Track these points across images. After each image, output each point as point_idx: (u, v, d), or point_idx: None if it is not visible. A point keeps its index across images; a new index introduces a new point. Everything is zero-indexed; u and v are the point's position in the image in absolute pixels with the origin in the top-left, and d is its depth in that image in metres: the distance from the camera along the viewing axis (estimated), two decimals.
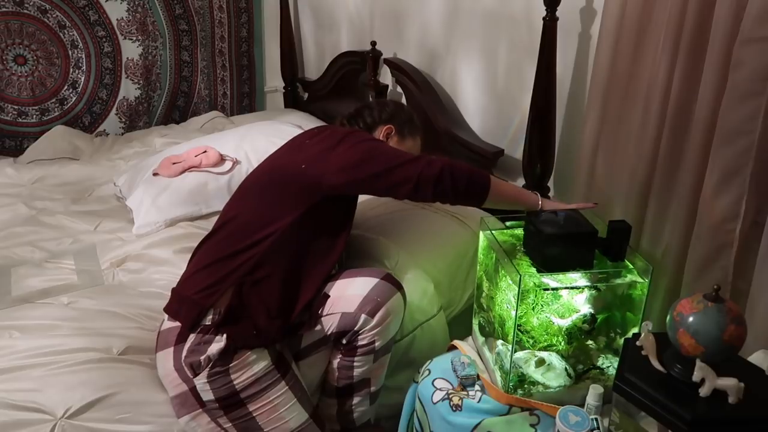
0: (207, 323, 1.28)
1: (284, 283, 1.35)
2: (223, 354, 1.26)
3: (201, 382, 1.26)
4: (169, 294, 1.39)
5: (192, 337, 1.28)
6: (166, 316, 1.36)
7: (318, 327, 1.38)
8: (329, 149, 1.40)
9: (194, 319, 1.28)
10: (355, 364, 1.39)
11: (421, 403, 1.33)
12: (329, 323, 1.37)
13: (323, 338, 1.39)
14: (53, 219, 1.98)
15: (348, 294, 1.37)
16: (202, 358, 1.25)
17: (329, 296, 1.39)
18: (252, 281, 1.32)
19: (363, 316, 1.34)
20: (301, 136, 1.57)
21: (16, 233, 1.89)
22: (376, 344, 1.37)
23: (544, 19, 1.52)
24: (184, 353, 1.27)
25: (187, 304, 1.31)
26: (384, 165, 1.34)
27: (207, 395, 1.27)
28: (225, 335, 1.26)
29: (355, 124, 1.62)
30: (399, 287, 1.40)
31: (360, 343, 1.37)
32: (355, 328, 1.35)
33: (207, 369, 1.26)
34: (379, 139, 1.54)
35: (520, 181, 1.78)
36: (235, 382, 1.27)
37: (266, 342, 1.30)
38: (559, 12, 1.50)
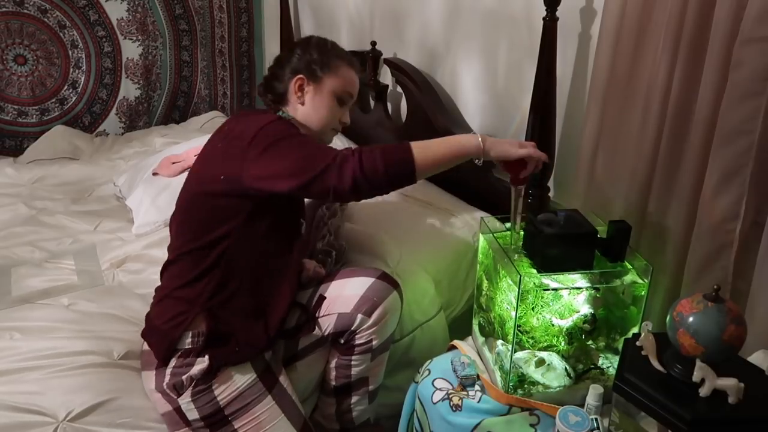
0: (187, 347, 1.25)
1: (254, 293, 1.31)
2: (206, 374, 1.24)
3: (185, 401, 1.25)
4: None
5: (173, 361, 1.26)
6: None
7: (315, 328, 1.38)
8: (240, 155, 1.22)
9: (165, 352, 1.26)
10: (352, 363, 1.39)
11: (421, 403, 1.33)
12: (326, 324, 1.37)
13: (320, 339, 1.39)
14: (53, 219, 1.98)
15: (344, 294, 1.36)
16: (185, 377, 1.24)
17: (325, 297, 1.38)
18: (220, 303, 1.27)
19: (359, 316, 1.34)
20: (215, 137, 1.37)
21: (16, 233, 1.89)
22: (374, 343, 1.37)
23: (544, 19, 1.51)
24: (167, 378, 1.25)
25: (156, 335, 1.29)
26: (296, 181, 1.18)
27: (192, 414, 1.26)
28: (207, 356, 1.24)
29: (270, 95, 1.42)
30: (395, 285, 1.39)
31: (357, 342, 1.36)
32: (352, 328, 1.35)
33: (190, 388, 1.24)
34: (290, 130, 1.26)
35: None
36: (218, 398, 1.25)
37: (251, 356, 1.29)
38: (559, 12, 1.50)
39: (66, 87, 2.70)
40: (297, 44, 1.42)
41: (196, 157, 1.38)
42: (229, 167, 1.24)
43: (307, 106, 1.37)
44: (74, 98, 2.72)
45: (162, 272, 1.38)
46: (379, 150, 1.17)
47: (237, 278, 1.28)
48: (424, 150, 1.19)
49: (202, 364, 1.24)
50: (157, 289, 1.37)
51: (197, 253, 1.28)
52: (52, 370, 1.29)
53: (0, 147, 2.65)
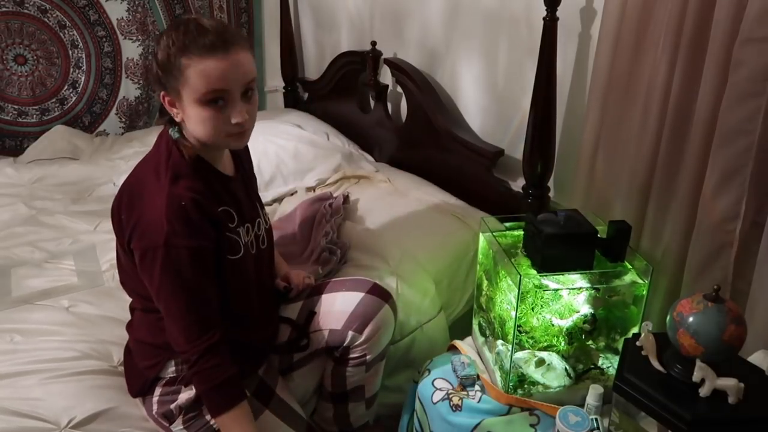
0: (171, 375, 1.22)
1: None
2: (195, 401, 1.22)
3: (178, 429, 1.24)
4: None
5: (158, 389, 1.23)
6: None
7: (308, 345, 1.37)
8: (136, 257, 1.13)
9: (139, 389, 1.25)
10: (347, 374, 1.38)
11: (421, 403, 1.33)
12: (318, 339, 1.35)
13: (314, 352, 1.38)
14: (53, 219, 1.98)
15: (334, 310, 1.34)
16: (173, 406, 1.22)
17: (315, 313, 1.36)
18: None
19: (351, 333, 1.32)
20: (119, 202, 1.19)
21: (16, 233, 1.89)
22: (367, 358, 1.36)
23: (544, 19, 1.51)
24: (155, 407, 1.23)
25: (133, 370, 1.27)
26: (174, 322, 1.13)
27: None
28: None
29: (162, 116, 1.21)
30: (387, 298, 1.36)
31: (351, 356, 1.35)
32: (345, 344, 1.33)
33: (180, 417, 1.23)
34: (173, 267, 1.09)
35: (520, 181, 1.78)
36: (212, 422, 1.22)
37: (241, 376, 1.24)
38: (559, 12, 1.50)
39: (66, 87, 2.69)
40: (158, 45, 1.12)
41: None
42: (133, 253, 1.14)
43: (187, 123, 1.14)
44: (74, 98, 2.72)
45: (130, 309, 1.34)
46: (202, 387, 1.14)
47: None
48: (227, 421, 1.14)
49: (188, 392, 1.21)
50: (128, 326, 1.33)
51: (150, 312, 1.20)
52: (52, 375, 1.29)
53: (0, 147, 2.65)
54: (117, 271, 1.30)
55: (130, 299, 1.32)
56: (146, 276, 1.12)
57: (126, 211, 1.15)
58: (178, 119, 1.15)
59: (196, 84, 1.07)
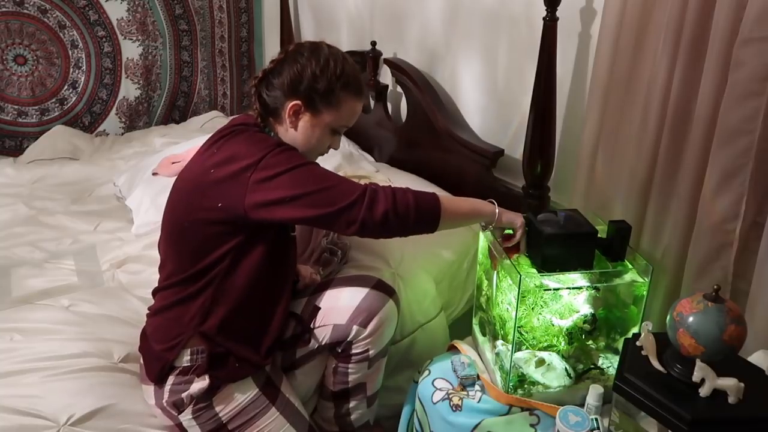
0: (185, 364, 1.24)
1: (247, 317, 1.27)
2: (206, 392, 1.23)
3: (186, 418, 1.25)
4: None
5: (171, 378, 1.24)
6: None
7: (311, 340, 1.37)
8: (242, 182, 1.16)
9: (159, 373, 1.25)
10: (349, 370, 1.39)
11: (421, 403, 1.33)
12: (322, 335, 1.36)
13: (317, 348, 1.39)
14: (53, 219, 1.98)
15: (339, 305, 1.35)
16: (184, 395, 1.23)
17: (320, 308, 1.37)
18: (212, 327, 1.24)
19: (355, 327, 1.32)
20: (203, 162, 1.26)
21: (16, 233, 1.89)
22: (370, 353, 1.36)
23: (544, 19, 1.51)
24: (166, 396, 1.24)
25: (151, 355, 1.28)
26: (317, 211, 1.15)
27: (194, 431, 1.26)
28: (207, 376, 1.23)
29: (262, 110, 1.30)
30: (390, 293, 1.37)
31: (354, 351, 1.36)
32: (348, 339, 1.34)
33: (191, 406, 1.24)
34: (301, 158, 1.20)
35: (520, 181, 1.78)
36: (220, 414, 1.25)
37: (251, 371, 1.27)
38: (559, 12, 1.50)
39: (66, 87, 2.69)
40: (305, 55, 1.25)
41: (180, 180, 1.30)
42: (228, 194, 1.17)
43: (298, 132, 1.27)
44: (74, 98, 2.72)
45: (154, 293, 1.35)
46: (411, 193, 1.20)
47: (229, 302, 1.24)
48: (450, 204, 1.24)
49: (201, 382, 1.23)
50: (150, 308, 1.34)
51: (189, 280, 1.24)
52: (52, 373, 1.29)
53: (0, 147, 2.65)
54: (159, 244, 1.34)
55: (142, 294, 1.33)
56: (270, 187, 1.15)
57: (225, 164, 1.19)
58: (290, 124, 1.26)
59: (343, 117, 1.29)
